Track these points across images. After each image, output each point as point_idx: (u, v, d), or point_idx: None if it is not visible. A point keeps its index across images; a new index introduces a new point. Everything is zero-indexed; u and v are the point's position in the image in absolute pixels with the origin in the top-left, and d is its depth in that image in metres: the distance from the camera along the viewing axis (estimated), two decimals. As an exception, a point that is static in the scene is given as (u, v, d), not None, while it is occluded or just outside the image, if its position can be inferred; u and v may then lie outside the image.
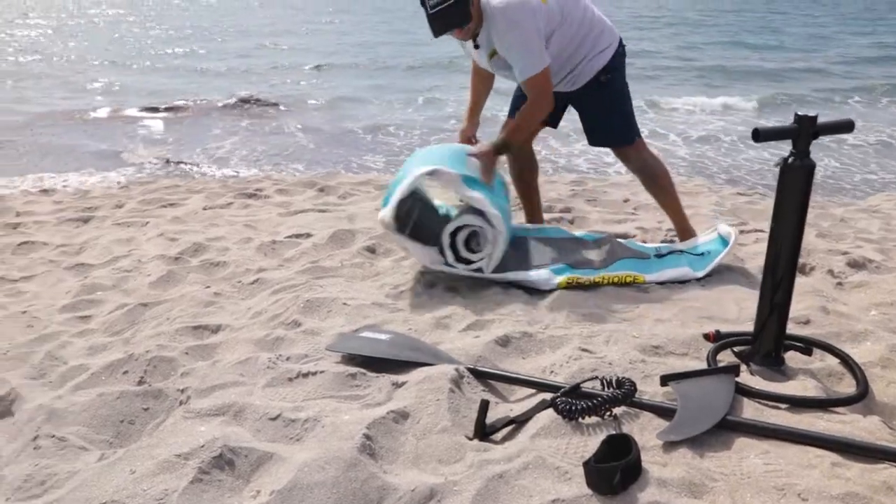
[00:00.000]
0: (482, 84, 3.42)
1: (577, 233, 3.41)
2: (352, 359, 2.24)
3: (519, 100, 3.37)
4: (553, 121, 3.40)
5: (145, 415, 2.09)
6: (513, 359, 2.27)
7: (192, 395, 2.12)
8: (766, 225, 4.16)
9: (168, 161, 7.63)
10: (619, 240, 3.34)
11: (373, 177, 6.20)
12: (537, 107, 3.02)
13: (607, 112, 3.22)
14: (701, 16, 31.15)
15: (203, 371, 2.24)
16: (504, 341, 2.32)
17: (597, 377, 2.00)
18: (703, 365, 2.17)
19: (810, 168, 2.00)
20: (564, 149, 8.07)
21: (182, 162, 7.06)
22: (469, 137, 3.41)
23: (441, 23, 2.87)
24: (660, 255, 3.16)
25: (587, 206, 4.59)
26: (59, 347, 2.60)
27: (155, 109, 10.72)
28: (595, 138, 3.32)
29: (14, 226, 4.75)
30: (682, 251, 3.19)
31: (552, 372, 2.15)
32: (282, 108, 11.31)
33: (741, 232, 3.99)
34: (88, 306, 3.03)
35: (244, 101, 11.41)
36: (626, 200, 4.84)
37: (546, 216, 4.25)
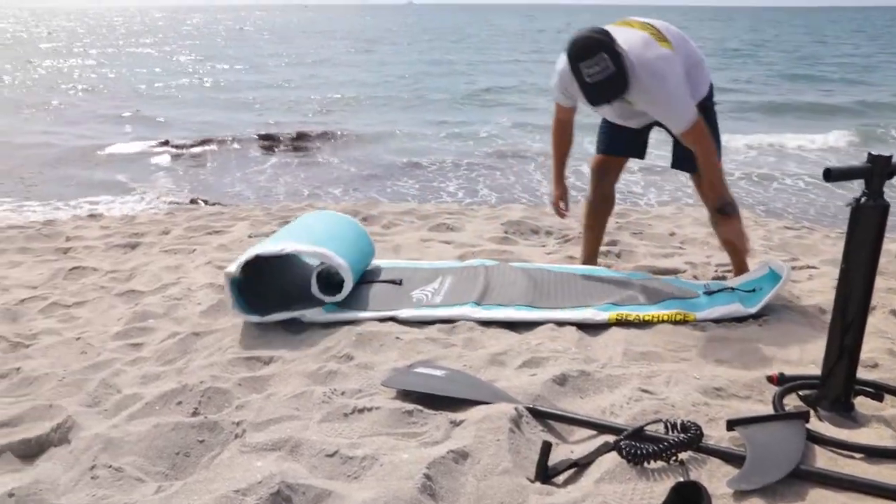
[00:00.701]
0: (565, 140, 3.33)
1: (622, 273, 3.36)
2: (407, 395, 2.21)
3: (606, 134, 3.33)
4: (640, 152, 3.37)
5: (201, 447, 2.08)
6: (571, 398, 2.22)
7: (248, 428, 2.10)
8: (817, 260, 4.13)
9: (197, 201, 7.73)
10: (666, 278, 3.27)
11: (413, 206, 6.20)
12: (708, 153, 2.89)
13: None
14: (741, 44, 30.98)
15: (258, 404, 2.23)
16: (561, 380, 2.27)
17: (660, 420, 1.95)
18: (769, 409, 2.10)
19: (884, 208, 1.94)
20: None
21: (218, 203, 7.16)
22: (560, 201, 3.37)
23: (599, 93, 2.71)
24: (709, 293, 3.07)
25: (633, 240, 4.53)
26: (112, 375, 2.61)
27: (198, 143, 10.87)
28: (684, 161, 3.17)
29: (65, 250, 4.83)
30: (732, 288, 3.10)
31: (612, 413, 2.10)
32: (320, 138, 11.48)
33: (793, 268, 3.91)
34: (140, 334, 3.05)
35: (282, 133, 11.57)
36: (671, 234, 4.78)
37: (593, 249, 4.22)
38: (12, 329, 3.20)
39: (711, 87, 3.11)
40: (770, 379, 2.26)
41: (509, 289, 3.10)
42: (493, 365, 2.44)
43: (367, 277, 3.31)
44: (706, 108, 3.02)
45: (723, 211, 2.99)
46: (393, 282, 3.24)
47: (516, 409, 2.02)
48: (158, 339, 2.96)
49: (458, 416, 2.05)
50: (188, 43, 32.11)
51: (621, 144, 3.35)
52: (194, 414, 2.27)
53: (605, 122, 3.35)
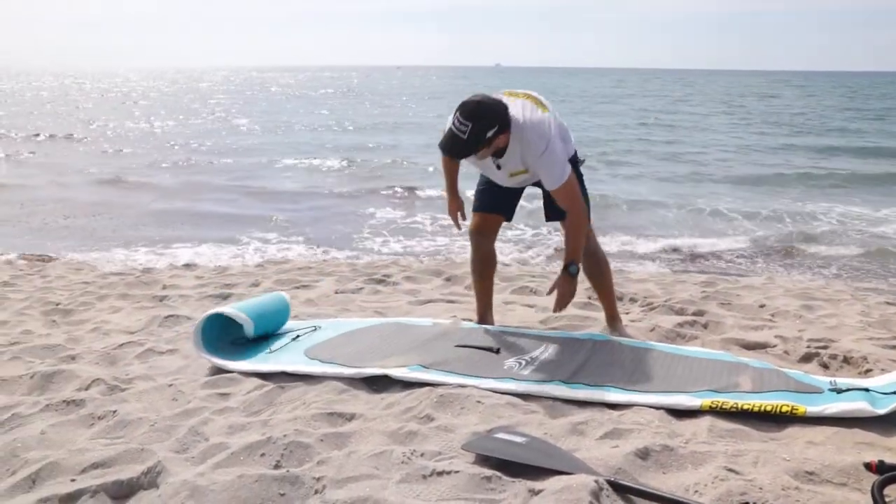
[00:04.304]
0: (454, 163, 3.65)
1: (744, 359, 3.16)
2: (486, 460, 2.20)
3: (484, 193, 3.61)
4: (509, 212, 3.65)
5: (282, 500, 2.11)
6: (653, 473, 2.16)
7: (328, 484, 2.13)
8: (922, 340, 3.90)
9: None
10: (789, 371, 2.99)
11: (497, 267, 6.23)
12: (578, 211, 3.25)
13: None
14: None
15: (339, 461, 2.26)
16: (644, 454, 2.21)
17: (747, 503, 1.88)
18: (867, 500, 1.99)
19: None
20: (643, 246, 8.23)
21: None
22: (458, 211, 3.70)
23: (448, 141, 3.11)
24: (836, 391, 2.74)
25: (721, 310, 4.41)
26: (201, 423, 2.70)
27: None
28: (556, 212, 3.42)
29: (160, 298, 5.07)
30: (867, 389, 2.76)
31: (697, 492, 2.03)
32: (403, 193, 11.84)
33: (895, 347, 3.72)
34: (228, 384, 3.14)
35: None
36: (761, 306, 4.63)
37: (678, 318, 4.15)
38: (111, 372, 3.36)
39: (575, 149, 3.47)
40: (868, 466, 2.14)
41: (607, 369, 3.00)
42: (573, 434, 2.41)
43: (466, 341, 3.36)
44: (574, 163, 3.35)
45: (568, 270, 3.28)
46: (490, 349, 3.24)
47: (596, 481, 1.98)
48: (245, 390, 3.05)
49: (537, 485, 2.02)
50: (241, 106, 33.51)
51: (493, 202, 3.60)
52: (277, 466, 2.31)
53: (479, 184, 3.65)
